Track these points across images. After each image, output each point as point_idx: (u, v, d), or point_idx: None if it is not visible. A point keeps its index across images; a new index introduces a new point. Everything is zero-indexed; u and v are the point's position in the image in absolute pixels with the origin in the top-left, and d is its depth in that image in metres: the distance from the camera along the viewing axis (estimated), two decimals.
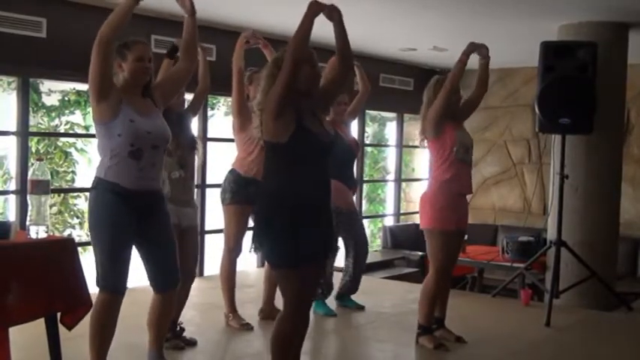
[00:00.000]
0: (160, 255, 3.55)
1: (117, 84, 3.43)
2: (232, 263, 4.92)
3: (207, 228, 7.11)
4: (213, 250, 7.22)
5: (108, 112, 3.33)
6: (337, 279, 5.65)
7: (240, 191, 4.76)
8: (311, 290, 3.33)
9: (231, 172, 4.86)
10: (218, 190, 6.55)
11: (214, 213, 7.13)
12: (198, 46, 3.87)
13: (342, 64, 3.44)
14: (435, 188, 4.54)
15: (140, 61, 3.43)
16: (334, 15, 3.34)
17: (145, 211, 3.43)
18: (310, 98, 3.32)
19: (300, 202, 3.20)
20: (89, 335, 3.42)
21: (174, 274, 3.62)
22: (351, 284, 5.61)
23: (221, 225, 6.97)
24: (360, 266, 5.57)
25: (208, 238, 7.15)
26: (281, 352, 3.28)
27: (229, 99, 7.61)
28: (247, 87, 4.78)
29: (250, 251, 4.24)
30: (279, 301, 3.90)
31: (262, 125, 3.24)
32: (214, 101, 7.56)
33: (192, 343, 4.50)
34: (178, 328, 4.48)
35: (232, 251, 4.89)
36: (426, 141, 4.61)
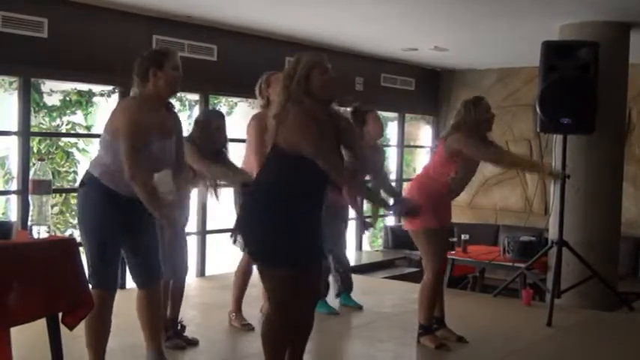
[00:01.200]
0: (145, 250, 3.59)
1: (142, 94, 3.44)
2: (249, 263, 4.91)
3: (208, 228, 7.11)
4: (214, 250, 7.22)
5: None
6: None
7: None
8: (298, 292, 3.29)
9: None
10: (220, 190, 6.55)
11: (214, 213, 7.13)
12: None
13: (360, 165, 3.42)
14: (422, 190, 4.55)
15: (177, 70, 3.47)
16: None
17: (133, 210, 3.46)
18: (328, 106, 3.31)
19: (295, 205, 3.22)
20: (85, 334, 3.47)
21: (157, 268, 3.67)
22: (342, 283, 5.62)
23: (223, 225, 6.97)
24: (345, 265, 5.59)
25: (210, 239, 7.14)
26: (270, 350, 3.31)
27: (230, 99, 7.67)
28: (266, 90, 4.77)
29: (233, 242, 4.26)
30: None
31: (277, 131, 3.24)
32: (215, 101, 7.55)
33: (193, 343, 4.50)
34: (179, 326, 4.49)
35: None
36: (444, 145, 4.57)
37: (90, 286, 3.41)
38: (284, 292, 3.26)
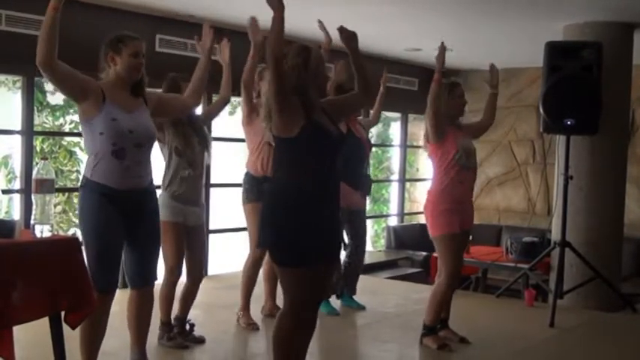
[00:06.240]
0: (142, 252, 3.56)
1: (105, 78, 3.44)
2: (255, 261, 4.90)
3: (211, 227, 7.11)
4: (218, 249, 7.22)
5: (89, 109, 3.35)
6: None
7: (254, 190, 4.78)
8: (315, 290, 3.29)
9: (246, 174, 4.91)
10: (223, 190, 6.56)
11: (218, 212, 7.14)
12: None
13: (363, 94, 3.41)
14: (436, 194, 4.53)
15: (136, 57, 3.43)
16: (350, 43, 3.35)
17: (132, 210, 3.44)
18: (320, 94, 3.32)
19: (305, 199, 3.18)
20: (79, 335, 3.42)
21: (152, 270, 3.64)
22: (347, 284, 5.61)
23: (225, 224, 6.97)
24: (357, 266, 5.58)
25: (213, 238, 7.14)
26: (282, 350, 3.27)
27: (234, 98, 7.64)
28: (258, 83, 4.81)
29: (257, 247, 4.20)
30: (280, 299, 3.89)
31: (271, 120, 3.23)
32: None
33: (200, 341, 4.51)
34: (188, 327, 4.50)
35: (255, 249, 4.87)
36: (428, 145, 4.59)
37: None
38: (306, 292, 3.23)
